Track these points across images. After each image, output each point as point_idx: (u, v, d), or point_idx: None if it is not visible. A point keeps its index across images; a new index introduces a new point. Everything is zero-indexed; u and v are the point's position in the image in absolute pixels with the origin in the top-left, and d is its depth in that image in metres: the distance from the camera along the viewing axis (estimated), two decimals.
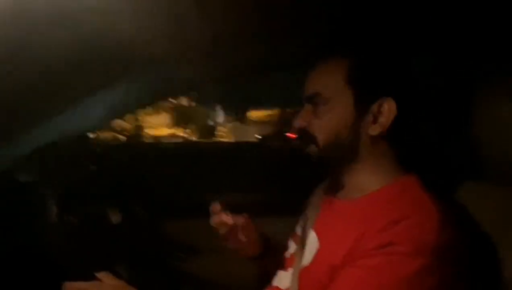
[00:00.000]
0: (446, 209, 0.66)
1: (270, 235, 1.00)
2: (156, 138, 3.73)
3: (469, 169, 0.82)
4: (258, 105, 3.82)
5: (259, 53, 1.03)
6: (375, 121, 0.73)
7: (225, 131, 4.11)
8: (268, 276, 0.89)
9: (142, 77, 0.94)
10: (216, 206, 0.93)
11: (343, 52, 0.77)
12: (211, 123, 4.25)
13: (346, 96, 0.74)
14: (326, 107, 0.75)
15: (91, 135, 2.12)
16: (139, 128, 3.61)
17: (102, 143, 2.49)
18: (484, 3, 0.77)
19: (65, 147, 1.27)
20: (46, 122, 0.93)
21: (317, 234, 0.77)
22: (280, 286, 0.84)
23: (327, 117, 0.75)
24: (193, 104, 4.22)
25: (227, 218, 0.93)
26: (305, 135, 0.77)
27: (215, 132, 4.11)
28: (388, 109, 0.71)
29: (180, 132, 3.98)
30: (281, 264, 0.88)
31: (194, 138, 3.94)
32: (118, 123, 2.95)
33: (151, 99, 1.43)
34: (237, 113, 4.09)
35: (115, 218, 1.20)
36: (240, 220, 0.94)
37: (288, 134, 2.16)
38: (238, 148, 2.71)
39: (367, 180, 0.74)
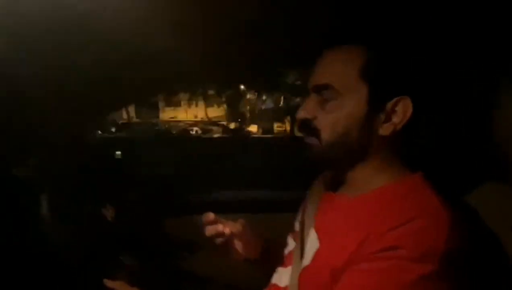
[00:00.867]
0: (455, 211, 0.62)
1: (270, 231, 0.95)
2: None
3: (489, 170, 0.78)
4: None
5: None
6: (387, 120, 0.68)
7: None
8: (268, 274, 0.87)
9: None
10: (209, 216, 0.84)
11: (361, 40, 0.70)
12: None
13: (360, 91, 0.67)
14: (336, 102, 0.68)
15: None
16: None
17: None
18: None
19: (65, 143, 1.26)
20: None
21: (318, 233, 0.74)
22: (279, 284, 0.82)
23: (336, 112, 0.68)
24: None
25: (223, 228, 0.84)
26: (308, 128, 0.72)
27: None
28: (403, 109, 0.67)
29: None
30: (280, 261, 0.86)
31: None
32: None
33: None
34: None
35: (109, 214, 1.19)
36: (237, 227, 0.86)
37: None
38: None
39: (372, 177, 0.70)
